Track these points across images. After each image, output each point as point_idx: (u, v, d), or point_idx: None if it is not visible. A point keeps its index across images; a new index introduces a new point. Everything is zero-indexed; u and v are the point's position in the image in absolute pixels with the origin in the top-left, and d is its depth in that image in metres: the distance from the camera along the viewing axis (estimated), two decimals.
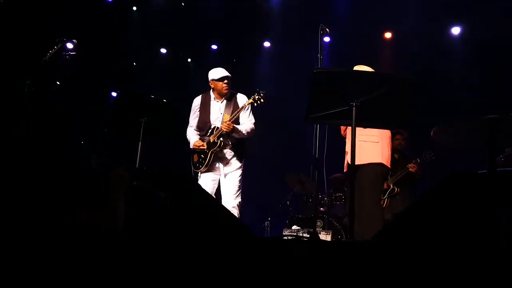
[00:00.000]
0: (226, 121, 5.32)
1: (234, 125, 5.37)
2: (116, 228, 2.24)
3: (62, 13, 8.29)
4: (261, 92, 5.41)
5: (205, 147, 5.42)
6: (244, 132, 5.46)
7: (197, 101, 5.77)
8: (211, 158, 5.40)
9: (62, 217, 2.14)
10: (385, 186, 6.53)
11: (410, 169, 6.47)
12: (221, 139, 5.39)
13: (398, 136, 6.84)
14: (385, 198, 6.55)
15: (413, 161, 6.49)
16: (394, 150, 6.77)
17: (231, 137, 5.45)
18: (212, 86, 5.63)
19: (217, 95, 5.63)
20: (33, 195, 2.17)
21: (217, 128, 5.43)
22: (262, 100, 5.41)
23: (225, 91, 5.55)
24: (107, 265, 2.05)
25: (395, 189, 6.51)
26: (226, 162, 5.48)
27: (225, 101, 5.61)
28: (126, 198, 2.34)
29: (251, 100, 5.43)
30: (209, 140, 5.43)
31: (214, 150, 5.39)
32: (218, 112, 5.59)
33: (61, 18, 8.22)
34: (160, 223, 2.49)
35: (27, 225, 2.03)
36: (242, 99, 5.60)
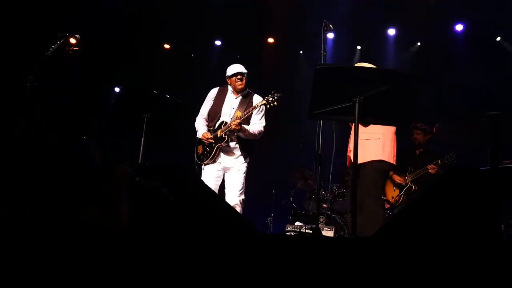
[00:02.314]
0: (236, 120, 5.29)
1: (243, 125, 5.33)
2: (120, 224, 2.25)
3: (65, 8, 8.29)
4: (275, 94, 5.31)
5: (213, 141, 5.41)
6: (251, 133, 5.44)
7: (214, 91, 5.80)
8: (216, 152, 5.40)
9: (65, 214, 2.14)
10: (403, 182, 6.51)
11: (429, 170, 6.37)
12: (228, 134, 5.37)
13: (415, 131, 6.68)
14: (401, 195, 6.53)
15: (434, 162, 6.36)
16: (414, 146, 6.73)
17: (238, 135, 5.43)
18: (228, 82, 5.67)
19: (234, 91, 5.64)
20: (36, 192, 2.17)
21: (226, 123, 5.40)
22: (275, 103, 5.31)
23: (239, 87, 5.56)
24: (110, 262, 2.06)
25: (412, 186, 6.47)
26: (231, 158, 5.45)
27: (240, 97, 5.59)
28: (129, 194, 2.34)
29: (264, 102, 5.34)
30: (217, 135, 5.41)
31: (220, 144, 5.38)
32: (230, 107, 5.57)
33: (64, 12, 8.22)
34: (163, 219, 2.49)
35: (30, 222, 2.04)
36: (257, 99, 5.53)
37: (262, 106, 5.50)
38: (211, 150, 5.40)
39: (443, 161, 6.28)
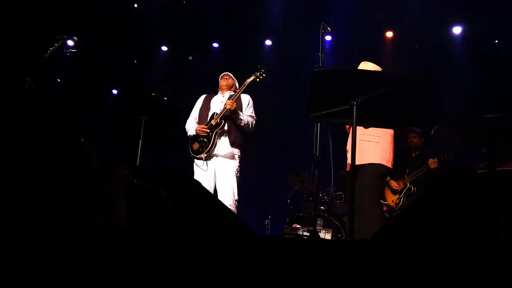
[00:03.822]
0: (229, 100, 5.34)
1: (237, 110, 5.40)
2: (117, 226, 2.24)
3: (62, 10, 8.29)
4: (261, 68, 5.49)
5: (208, 131, 5.39)
6: (245, 119, 5.46)
7: (202, 96, 5.90)
8: (215, 140, 5.38)
9: (63, 215, 2.14)
10: (401, 185, 6.51)
11: (430, 166, 6.36)
12: (224, 118, 5.39)
13: (409, 135, 6.74)
14: (401, 197, 6.53)
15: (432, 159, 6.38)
16: (409, 149, 6.75)
17: (232, 124, 5.44)
18: (219, 89, 5.85)
19: (222, 91, 5.77)
20: (33, 193, 2.17)
21: (217, 113, 5.43)
22: (264, 75, 5.49)
23: (225, 83, 5.75)
24: (108, 264, 2.05)
25: (411, 188, 6.48)
26: (223, 146, 5.44)
27: (227, 95, 5.66)
28: (127, 196, 2.34)
29: (252, 77, 5.48)
30: (211, 124, 5.42)
31: (217, 130, 5.38)
32: (219, 101, 5.63)
33: (62, 15, 8.21)
34: (161, 221, 2.49)
35: (28, 224, 2.03)
36: (245, 96, 5.65)
37: (250, 100, 5.67)
38: (209, 140, 5.38)
39: (439, 158, 6.30)
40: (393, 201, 6.61)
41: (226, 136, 5.44)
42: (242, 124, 5.47)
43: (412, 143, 6.74)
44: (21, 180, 2.18)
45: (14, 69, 6.58)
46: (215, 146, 5.40)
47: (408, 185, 6.49)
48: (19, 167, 2.22)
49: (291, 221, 7.07)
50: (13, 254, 1.95)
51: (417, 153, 6.76)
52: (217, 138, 5.40)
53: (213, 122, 5.41)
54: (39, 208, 2.12)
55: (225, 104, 5.35)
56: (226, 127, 5.42)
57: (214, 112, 5.48)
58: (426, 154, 6.63)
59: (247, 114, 5.57)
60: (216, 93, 5.82)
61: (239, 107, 5.51)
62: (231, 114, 5.37)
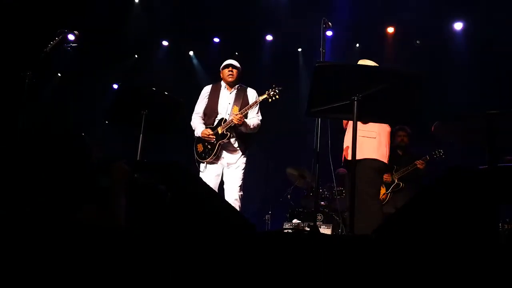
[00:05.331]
0: (237, 114, 5.30)
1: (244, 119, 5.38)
2: (117, 222, 2.24)
3: (63, 4, 8.27)
4: (276, 88, 5.39)
5: (214, 138, 5.41)
6: (251, 127, 5.47)
7: (207, 89, 5.81)
8: (218, 149, 5.40)
9: (61, 212, 2.14)
10: (389, 180, 6.54)
11: (418, 166, 6.47)
12: (230, 130, 5.39)
13: (400, 133, 6.84)
14: (388, 193, 6.57)
15: (423, 158, 6.47)
16: (397, 146, 6.80)
17: (238, 129, 5.45)
18: (221, 76, 5.73)
19: (227, 85, 5.67)
20: (31, 190, 2.17)
21: (225, 120, 5.42)
22: (277, 96, 5.39)
23: (230, 79, 5.59)
24: (108, 261, 2.05)
25: (399, 184, 6.53)
26: (231, 153, 5.48)
27: (234, 92, 5.62)
28: (127, 191, 2.34)
29: (265, 96, 5.40)
30: (217, 132, 5.42)
31: (222, 141, 5.39)
32: (226, 102, 5.58)
33: (63, 9, 8.20)
34: (161, 216, 2.49)
35: (26, 222, 2.03)
36: (252, 94, 5.61)
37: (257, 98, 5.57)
38: (213, 148, 5.41)
39: (431, 156, 6.39)
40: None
41: (233, 144, 5.48)
42: (250, 132, 5.52)
43: (402, 142, 6.86)
44: (22, 178, 2.18)
45: (14, 63, 6.58)
46: (219, 154, 5.44)
47: (396, 181, 6.55)
48: (17, 163, 2.22)
49: (291, 217, 7.08)
50: (13, 254, 1.95)
51: (404, 151, 6.85)
52: (221, 148, 5.43)
53: (219, 130, 5.41)
54: (37, 205, 2.12)
55: (232, 118, 5.32)
56: (232, 139, 5.45)
57: (222, 118, 5.47)
58: (413, 153, 6.73)
59: (253, 114, 5.58)
60: (219, 83, 5.75)
61: (245, 105, 5.49)
62: (239, 126, 5.39)
